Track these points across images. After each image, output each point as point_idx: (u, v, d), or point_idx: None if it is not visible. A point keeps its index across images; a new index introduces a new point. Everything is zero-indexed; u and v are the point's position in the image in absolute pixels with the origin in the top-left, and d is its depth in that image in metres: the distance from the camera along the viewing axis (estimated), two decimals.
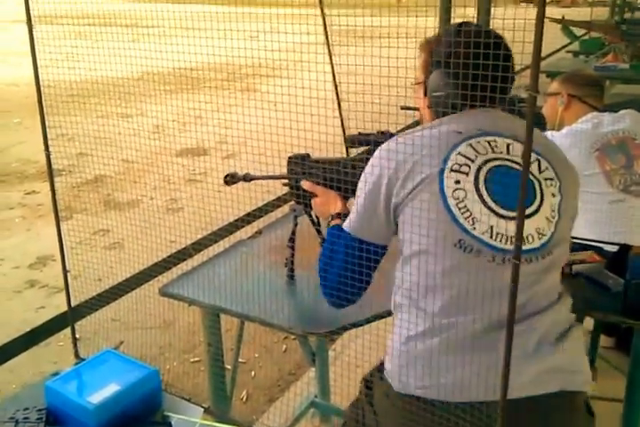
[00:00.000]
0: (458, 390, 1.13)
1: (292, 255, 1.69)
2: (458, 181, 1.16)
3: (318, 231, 1.68)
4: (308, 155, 1.60)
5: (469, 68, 1.08)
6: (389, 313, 1.34)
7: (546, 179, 1.22)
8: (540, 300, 1.19)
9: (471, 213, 1.14)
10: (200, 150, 5.11)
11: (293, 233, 1.70)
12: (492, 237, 1.14)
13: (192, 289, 1.70)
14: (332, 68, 2.77)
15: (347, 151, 2.28)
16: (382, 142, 1.38)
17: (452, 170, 1.16)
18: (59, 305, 2.71)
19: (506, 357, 0.93)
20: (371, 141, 1.46)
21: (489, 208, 1.15)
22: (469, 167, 1.17)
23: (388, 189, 1.20)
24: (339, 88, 2.75)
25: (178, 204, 4.50)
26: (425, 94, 1.31)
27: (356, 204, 1.27)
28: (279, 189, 1.70)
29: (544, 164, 1.23)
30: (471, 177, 1.16)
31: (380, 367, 1.28)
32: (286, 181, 1.66)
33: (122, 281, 2.51)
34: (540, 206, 1.19)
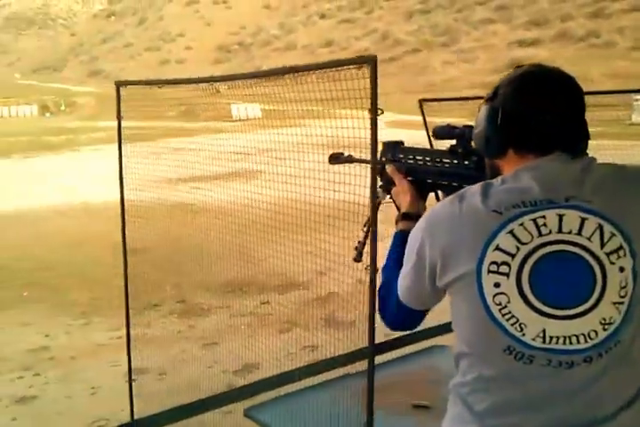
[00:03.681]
0: None
1: (365, 239, 1.69)
2: (497, 284, 1.03)
3: None
4: (402, 142, 1.60)
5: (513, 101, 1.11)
6: None
7: (611, 252, 1.02)
8: (603, 405, 1.03)
9: (518, 320, 1.03)
10: None
11: (369, 220, 1.69)
12: (544, 341, 1.02)
13: (270, 416, 1.86)
14: None
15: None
16: (466, 136, 1.34)
17: (489, 271, 1.04)
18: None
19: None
20: (456, 135, 1.41)
21: (537, 311, 1.02)
22: (509, 267, 1.03)
23: (431, 270, 1.12)
24: None
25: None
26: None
27: (406, 265, 1.19)
28: None
29: (608, 229, 1.03)
30: (512, 279, 1.03)
31: None
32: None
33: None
34: (599, 298, 1.01)
